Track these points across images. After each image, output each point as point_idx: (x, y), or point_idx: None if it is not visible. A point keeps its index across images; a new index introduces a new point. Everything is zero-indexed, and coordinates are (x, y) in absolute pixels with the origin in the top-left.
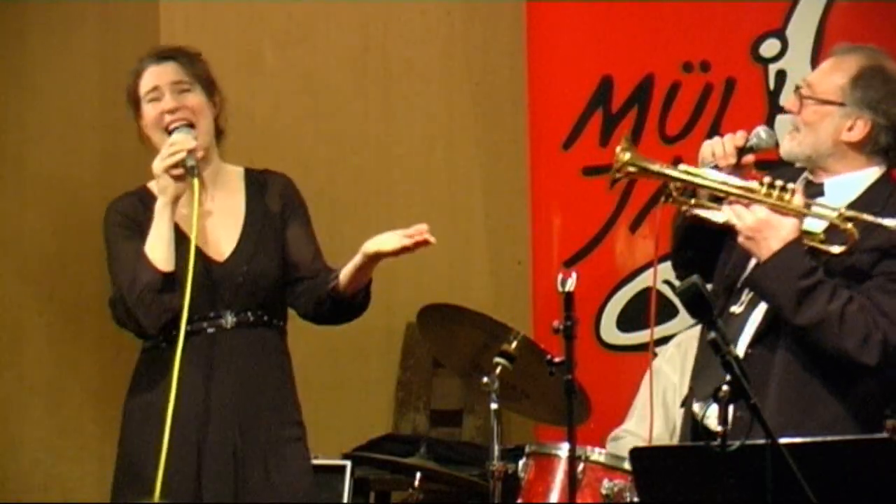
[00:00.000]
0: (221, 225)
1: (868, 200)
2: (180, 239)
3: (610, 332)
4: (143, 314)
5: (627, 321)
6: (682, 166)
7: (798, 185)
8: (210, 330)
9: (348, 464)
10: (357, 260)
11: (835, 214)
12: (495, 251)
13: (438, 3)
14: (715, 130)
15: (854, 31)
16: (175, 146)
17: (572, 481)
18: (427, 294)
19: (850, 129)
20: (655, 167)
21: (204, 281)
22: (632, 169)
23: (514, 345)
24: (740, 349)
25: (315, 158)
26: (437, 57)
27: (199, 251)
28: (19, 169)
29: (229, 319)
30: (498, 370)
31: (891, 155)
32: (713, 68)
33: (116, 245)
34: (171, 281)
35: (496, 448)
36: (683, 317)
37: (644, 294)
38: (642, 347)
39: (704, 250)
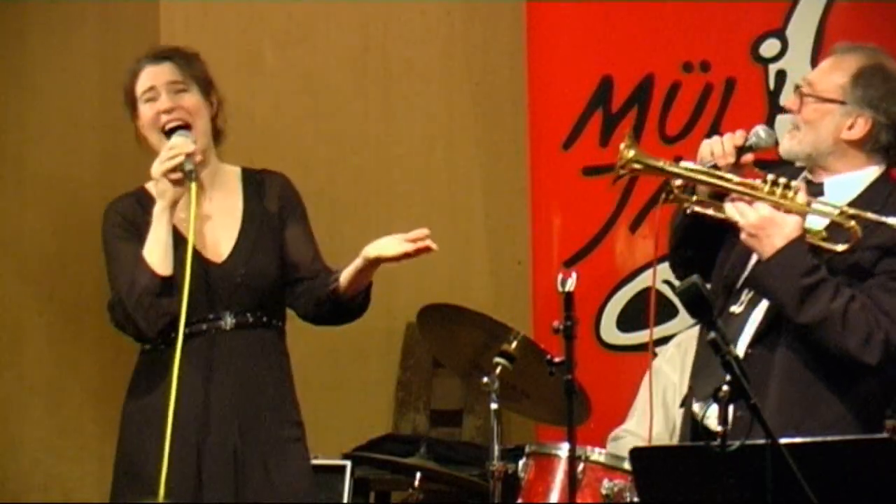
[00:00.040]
0: (219, 226)
1: (868, 199)
2: (179, 242)
3: (610, 332)
4: (141, 318)
5: (627, 321)
6: (684, 163)
7: (801, 183)
8: (209, 331)
9: (348, 464)
10: (358, 263)
11: (837, 212)
12: (495, 251)
13: (438, 3)
14: (715, 130)
15: (854, 31)
16: (173, 150)
17: (572, 481)
18: (427, 294)
19: (851, 127)
20: (659, 164)
21: (202, 283)
22: (636, 166)
23: (514, 345)
24: (740, 349)
25: (315, 158)
26: (437, 57)
27: (197, 253)
28: (19, 169)
29: (228, 321)
30: (498, 370)
31: (891, 153)
32: (713, 68)
33: (115, 247)
34: (170, 285)
35: (496, 448)
36: (683, 317)
37: (644, 294)
38: (642, 347)
39: (703, 250)
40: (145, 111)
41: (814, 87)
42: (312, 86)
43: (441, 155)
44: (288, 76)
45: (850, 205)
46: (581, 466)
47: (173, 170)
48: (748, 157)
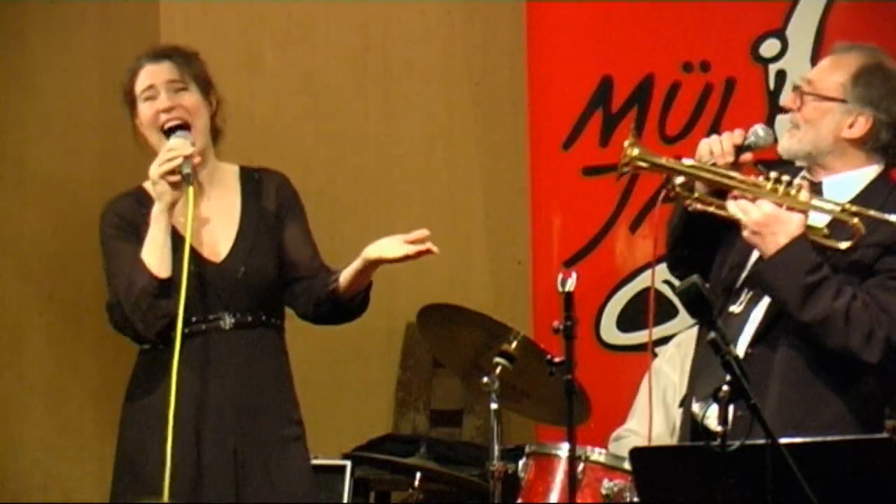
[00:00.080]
0: (217, 225)
1: (867, 198)
2: (177, 242)
3: (610, 332)
4: (139, 320)
5: (627, 321)
6: (687, 160)
7: (804, 181)
8: (208, 331)
9: (348, 464)
10: (357, 264)
11: (840, 209)
12: (495, 251)
13: (438, 3)
14: (715, 130)
15: (854, 31)
16: (172, 152)
17: (572, 481)
18: (427, 294)
19: (851, 125)
20: (662, 161)
21: (201, 283)
22: (640, 164)
23: (514, 345)
24: (740, 349)
25: (315, 158)
26: (437, 57)
27: (195, 253)
28: (19, 169)
29: (227, 321)
30: (498, 370)
31: (890, 152)
32: (713, 68)
33: (113, 248)
34: (168, 286)
35: (496, 448)
36: (683, 317)
37: (644, 294)
38: (642, 347)
39: (700, 249)
40: (144, 110)
41: (814, 85)
42: (312, 86)
43: (441, 155)
44: (288, 76)
45: (850, 203)
46: (581, 466)
47: (171, 172)
48: (747, 157)
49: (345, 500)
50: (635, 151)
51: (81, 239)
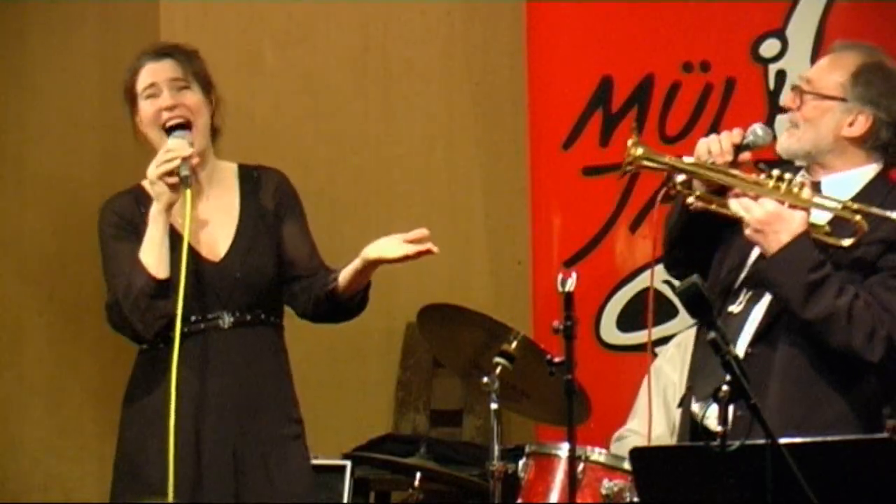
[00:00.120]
0: (216, 224)
1: (866, 197)
2: (176, 242)
3: (610, 332)
4: (137, 320)
5: (627, 321)
6: (688, 158)
7: (806, 179)
8: (207, 331)
9: (348, 464)
10: (357, 264)
11: (841, 207)
12: (495, 251)
13: (438, 3)
14: (715, 130)
15: (854, 31)
16: (170, 153)
17: (572, 481)
18: (427, 294)
19: (851, 124)
20: (666, 160)
21: (199, 282)
22: (644, 163)
23: (514, 345)
24: (740, 349)
25: (315, 158)
26: (437, 57)
27: (194, 253)
28: (19, 169)
29: (226, 319)
30: (498, 370)
31: (889, 151)
32: (713, 68)
33: (111, 247)
34: (166, 287)
35: (496, 448)
36: (683, 317)
37: (644, 294)
38: (642, 347)
39: (697, 249)
40: (146, 108)
41: (813, 84)
42: (312, 86)
43: (441, 155)
44: (288, 76)
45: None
46: (581, 466)
47: (169, 173)
48: (745, 156)
49: (345, 500)
50: (639, 151)
51: (81, 239)
